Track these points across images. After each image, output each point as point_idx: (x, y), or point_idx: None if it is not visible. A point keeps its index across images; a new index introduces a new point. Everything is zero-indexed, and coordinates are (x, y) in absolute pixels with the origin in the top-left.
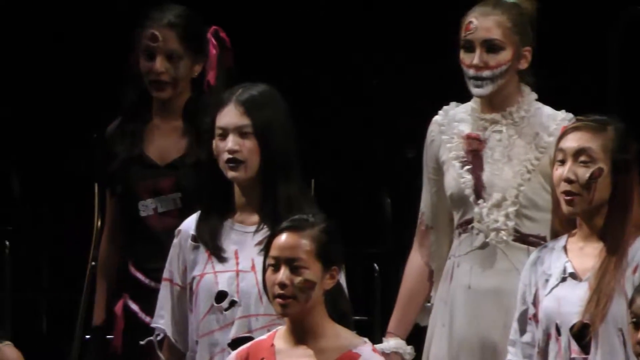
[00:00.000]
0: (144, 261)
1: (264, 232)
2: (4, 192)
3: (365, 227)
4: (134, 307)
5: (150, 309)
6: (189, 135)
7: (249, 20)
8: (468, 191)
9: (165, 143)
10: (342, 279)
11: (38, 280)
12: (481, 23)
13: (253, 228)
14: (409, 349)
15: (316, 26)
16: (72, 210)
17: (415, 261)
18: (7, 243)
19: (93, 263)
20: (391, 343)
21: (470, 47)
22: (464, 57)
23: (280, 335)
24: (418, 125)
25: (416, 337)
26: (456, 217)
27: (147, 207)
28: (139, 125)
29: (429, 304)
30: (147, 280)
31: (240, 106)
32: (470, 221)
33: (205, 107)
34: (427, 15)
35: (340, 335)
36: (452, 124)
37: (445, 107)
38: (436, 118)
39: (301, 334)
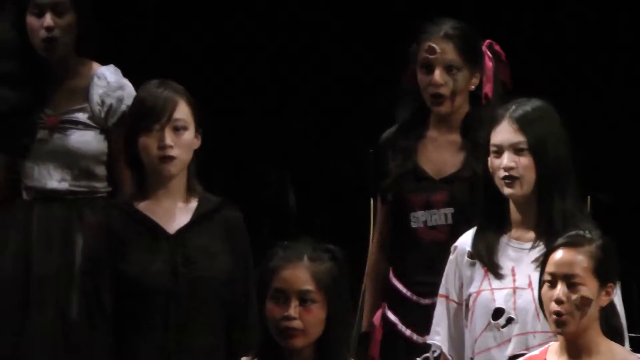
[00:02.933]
0: (408, 273)
1: (541, 249)
2: (280, 204)
3: None
4: (393, 317)
5: (409, 322)
6: (465, 149)
7: (523, 34)
8: None
9: (441, 157)
10: (618, 296)
11: None
12: None
13: (529, 245)
14: None
15: (589, 40)
16: (347, 222)
17: None
18: None
19: None
20: None
21: None
22: None
23: (553, 350)
24: None
25: None
26: None
27: (418, 219)
28: (414, 138)
29: None
30: (408, 293)
31: (515, 123)
32: None
33: (481, 121)
34: None
35: (615, 352)
36: None
37: None
38: None
39: (575, 351)
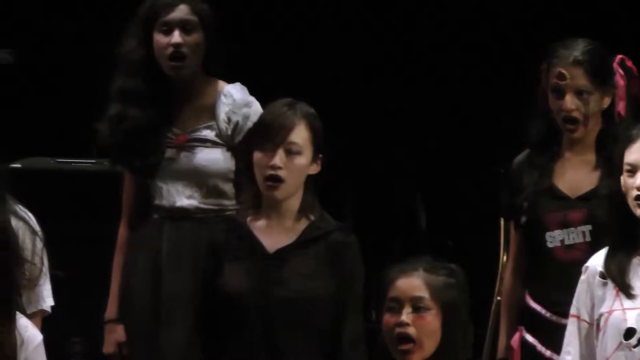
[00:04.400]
0: (547, 294)
1: None
2: (411, 225)
3: None
4: (532, 340)
5: (550, 343)
6: (600, 167)
7: None
8: None
9: (576, 176)
10: None
11: None
12: None
13: None
14: None
15: None
16: (476, 244)
17: None
18: None
19: (498, 298)
20: None
21: None
22: None
23: None
24: None
25: None
26: None
27: (554, 238)
28: (548, 159)
29: None
30: (548, 314)
31: None
32: None
33: (616, 139)
34: None
35: None
36: None
37: None
38: None
39: None
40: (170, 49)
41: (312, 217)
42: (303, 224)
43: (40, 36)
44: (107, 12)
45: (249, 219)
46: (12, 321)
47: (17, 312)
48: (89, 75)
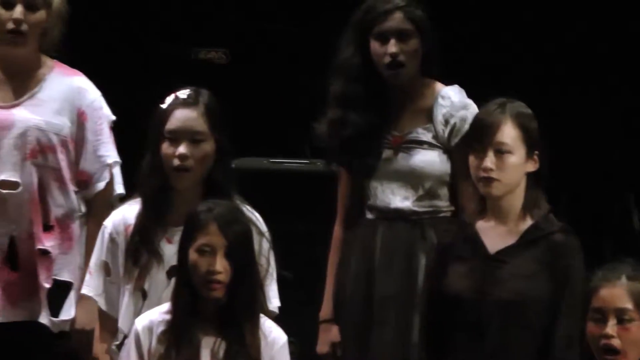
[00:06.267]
0: None
1: None
2: (624, 226)
3: None
4: None
5: None
6: None
7: None
8: None
9: None
10: None
11: None
12: None
13: None
14: None
15: None
16: None
17: None
18: None
19: None
20: None
21: None
22: None
23: None
24: None
25: None
26: None
27: None
28: None
29: None
30: None
31: None
32: None
33: None
34: None
35: None
36: None
37: None
38: None
39: None
40: (388, 58)
41: (536, 217)
42: (526, 224)
43: (255, 36)
44: (319, 13)
45: (477, 222)
46: (256, 323)
47: (261, 315)
48: (303, 75)
